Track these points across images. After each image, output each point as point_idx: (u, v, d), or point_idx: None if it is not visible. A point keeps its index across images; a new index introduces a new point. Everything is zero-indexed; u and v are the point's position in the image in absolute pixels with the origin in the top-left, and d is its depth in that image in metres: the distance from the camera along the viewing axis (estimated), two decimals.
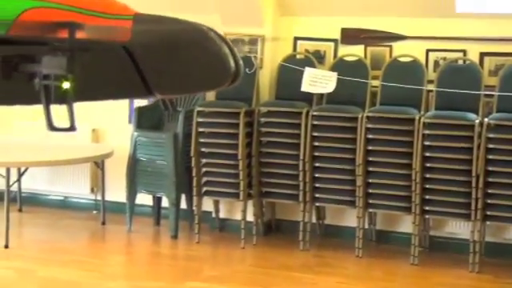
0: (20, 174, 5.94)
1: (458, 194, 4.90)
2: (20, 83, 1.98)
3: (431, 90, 5.22)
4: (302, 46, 5.70)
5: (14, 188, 6.07)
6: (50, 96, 1.91)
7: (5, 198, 5.30)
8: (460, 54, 5.31)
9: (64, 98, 1.92)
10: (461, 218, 5.01)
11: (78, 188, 6.42)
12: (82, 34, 1.92)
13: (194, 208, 5.55)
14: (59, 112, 1.99)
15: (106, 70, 2.14)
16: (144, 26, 2.06)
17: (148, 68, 2.11)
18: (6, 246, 5.27)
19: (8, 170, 5.34)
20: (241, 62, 2.16)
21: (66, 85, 1.89)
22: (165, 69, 2.13)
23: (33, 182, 6.40)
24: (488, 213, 4.85)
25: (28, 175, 6.11)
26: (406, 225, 5.25)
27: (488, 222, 4.94)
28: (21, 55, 1.94)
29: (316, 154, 5.22)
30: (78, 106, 6.32)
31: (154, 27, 2.10)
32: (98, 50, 2.01)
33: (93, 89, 2.09)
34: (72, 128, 1.98)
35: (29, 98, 2.02)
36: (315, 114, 5.20)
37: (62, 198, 6.57)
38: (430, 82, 5.25)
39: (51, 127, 1.92)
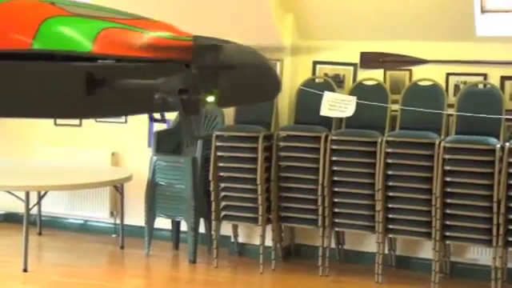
0: (39, 198, 5.96)
1: (479, 220, 4.83)
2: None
3: (451, 115, 5.17)
4: (322, 70, 5.69)
5: (34, 211, 6.10)
6: (191, 108, 2.08)
7: (24, 221, 5.31)
8: (480, 78, 5.26)
9: (197, 109, 2.11)
10: (482, 244, 4.93)
11: (98, 212, 6.43)
12: (161, 54, 2.11)
13: (213, 232, 5.53)
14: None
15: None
16: (202, 47, 2.21)
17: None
18: (25, 270, 5.27)
19: (27, 194, 5.36)
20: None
21: (211, 98, 2.14)
22: (222, 84, 2.26)
23: (53, 206, 6.44)
24: (510, 239, 4.76)
25: (48, 199, 6.14)
26: (427, 251, 5.18)
27: (510, 249, 4.85)
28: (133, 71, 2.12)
29: (335, 178, 5.18)
30: (99, 131, 6.37)
31: (213, 48, 2.25)
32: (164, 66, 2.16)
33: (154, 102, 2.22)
34: (208, 135, 2.13)
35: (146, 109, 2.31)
36: (334, 138, 5.17)
37: (81, 222, 6.59)
38: (451, 106, 5.21)
39: (193, 136, 2.12)
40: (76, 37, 1.96)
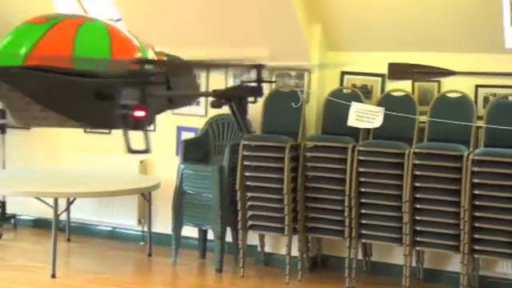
0: (68, 204, 6.02)
1: (508, 234, 4.76)
2: None
3: (480, 127, 5.12)
4: (349, 80, 5.67)
5: (64, 218, 6.17)
6: (243, 111, 2.93)
7: (52, 227, 5.37)
8: (510, 90, 5.20)
9: (246, 111, 2.98)
10: (511, 258, 4.87)
11: (126, 219, 6.47)
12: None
13: (239, 242, 5.53)
14: None
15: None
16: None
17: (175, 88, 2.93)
18: (53, 276, 5.33)
19: (56, 200, 5.42)
20: None
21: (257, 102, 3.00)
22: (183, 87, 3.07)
23: (82, 212, 6.50)
24: None
25: (77, 205, 6.20)
26: (455, 264, 5.12)
27: None
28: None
29: (362, 189, 5.16)
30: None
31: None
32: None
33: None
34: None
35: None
36: (361, 149, 5.15)
37: (110, 229, 6.64)
38: (480, 118, 5.16)
39: (248, 131, 3.05)
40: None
